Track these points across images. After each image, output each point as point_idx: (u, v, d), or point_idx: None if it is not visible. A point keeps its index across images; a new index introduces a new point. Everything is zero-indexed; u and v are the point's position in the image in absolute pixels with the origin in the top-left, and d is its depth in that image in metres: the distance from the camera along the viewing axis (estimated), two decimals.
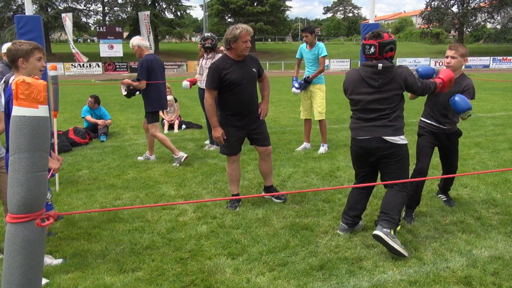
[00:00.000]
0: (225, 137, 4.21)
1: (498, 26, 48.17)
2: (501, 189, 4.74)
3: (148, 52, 5.87)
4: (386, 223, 3.25)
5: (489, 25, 52.04)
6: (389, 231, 3.21)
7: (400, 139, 3.42)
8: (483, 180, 5.03)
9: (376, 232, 3.22)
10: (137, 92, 6.01)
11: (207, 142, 7.10)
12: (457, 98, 3.63)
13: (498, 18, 48.13)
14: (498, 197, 4.50)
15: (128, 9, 46.23)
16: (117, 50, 34.72)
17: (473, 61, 39.22)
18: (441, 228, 3.75)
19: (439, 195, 4.52)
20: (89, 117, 8.00)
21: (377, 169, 3.63)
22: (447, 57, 3.82)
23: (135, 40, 5.86)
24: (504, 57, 38.80)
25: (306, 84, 6.46)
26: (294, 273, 3.03)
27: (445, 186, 4.43)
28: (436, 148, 4.10)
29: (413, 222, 3.89)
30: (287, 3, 56.62)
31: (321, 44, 6.43)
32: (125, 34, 46.64)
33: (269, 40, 58.67)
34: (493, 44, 49.05)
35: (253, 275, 3.02)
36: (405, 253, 3.20)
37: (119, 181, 5.25)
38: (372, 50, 3.34)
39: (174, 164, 5.90)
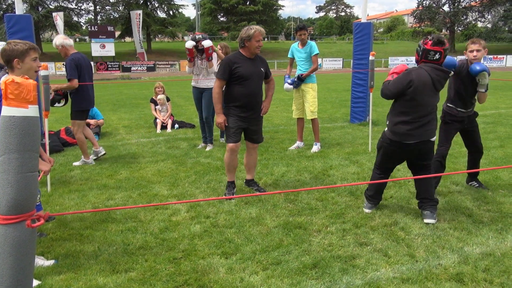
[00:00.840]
0: (229, 125, 4.56)
1: (489, 25, 48.61)
2: (492, 187, 4.78)
3: (74, 51, 5.67)
4: (434, 208, 3.85)
5: (480, 24, 52.49)
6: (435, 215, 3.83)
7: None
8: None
9: (428, 220, 3.77)
10: (62, 103, 5.78)
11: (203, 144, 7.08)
12: (475, 64, 4.15)
13: (489, 17, 48.61)
14: (489, 195, 4.54)
15: (120, 8, 46.01)
16: (109, 49, 34.56)
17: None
18: (433, 225, 3.77)
19: (469, 183, 4.83)
20: None
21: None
22: (472, 51, 4.19)
23: (58, 40, 5.62)
24: (495, 56, 39.14)
25: (299, 81, 6.45)
26: (287, 272, 3.04)
27: (473, 172, 4.75)
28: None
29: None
30: (280, 2, 56.81)
31: (312, 43, 6.44)
32: (117, 33, 46.49)
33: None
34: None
35: (247, 274, 3.02)
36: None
37: (111, 181, 5.22)
38: (437, 56, 3.54)
39: (80, 162, 5.96)
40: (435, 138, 3.87)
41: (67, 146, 7.07)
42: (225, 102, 4.59)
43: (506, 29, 46.37)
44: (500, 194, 4.56)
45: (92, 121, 7.86)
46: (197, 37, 6.54)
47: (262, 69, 4.63)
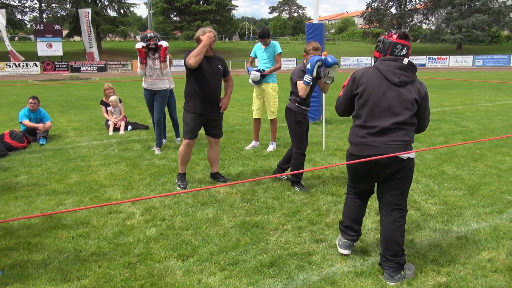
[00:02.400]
0: (188, 121, 4.74)
1: (433, 27, 51.00)
2: (438, 181, 5.03)
3: None
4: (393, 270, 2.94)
5: (424, 26, 54.98)
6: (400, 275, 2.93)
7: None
8: (422, 173, 5.31)
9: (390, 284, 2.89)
10: None
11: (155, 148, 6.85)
12: (328, 57, 4.51)
13: (433, 19, 51.01)
14: (436, 188, 4.77)
15: (67, 6, 44.24)
16: (57, 48, 33.15)
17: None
18: None
19: (281, 177, 5.13)
20: (26, 122, 7.53)
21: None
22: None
23: None
24: (439, 56, 41.17)
25: (261, 77, 6.40)
26: (245, 271, 3.05)
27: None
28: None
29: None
30: (233, 2, 56.80)
31: (275, 42, 6.47)
32: (65, 32, 44.66)
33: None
34: (429, 44, 51.89)
35: (204, 276, 3.00)
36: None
37: (61, 186, 5.01)
38: (405, 51, 2.93)
39: None
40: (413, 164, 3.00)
41: (12, 150, 6.71)
42: (185, 97, 4.77)
43: (448, 31, 48.85)
44: (445, 187, 4.81)
45: (39, 126, 7.50)
46: (148, 35, 6.37)
47: (220, 66, 4.78)
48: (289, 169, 4.99)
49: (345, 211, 3.31)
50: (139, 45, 6.24)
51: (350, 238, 3.25)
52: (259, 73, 6.34)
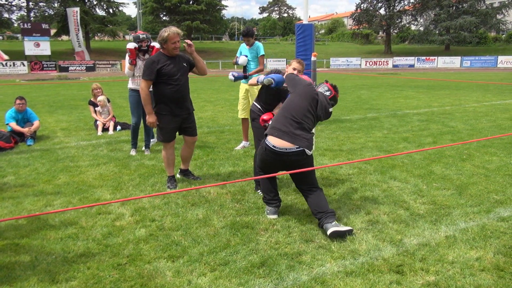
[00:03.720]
0: (163, 125, 4.72)
1: (421, 28, 51.47)
2: (427, 181, 5.08)
3: None
4: (330, 217, 3.63)
5: (413, 27, 55.48)
6: (336, 222, 3.62)
7: None
8: (411, 173, 5.36)
9: (331, 230, 3.51)
10: None
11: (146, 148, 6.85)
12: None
13: (421, 20, 51.47)
14: (424, 188, 4.81)
15: (55, 4, 43.76)
16: (44, 48, 32.80)
17: (399, 60, 41.63)
18: (374, 219, 3.94)
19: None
20: (13, 125, 7.37)
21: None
22: (294, 68, 4.40)
23: None
24: (427, 57, 41.55)
25: (245, 79, 6.37)
26: (235, 272, 3.04)
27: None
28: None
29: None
30: (223, 2, 56.57)
31: (259, 44, 6.50)
32: (53, 31, 44.21)
33: (206, 39, 58.43)
34: (417, 45, 52.37)
35: (194, 277, 2.99)
36: (350, 227, 3.64)
37: (49, 187, 4.96)
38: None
39: None
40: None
41: None
42: (157, 102, 4.73)
43: (437, 32, 49.35)
44: (434, 187, 4.85)
45: (25, 130, 7.35)
46: (141, 36, 6.25)
47: (184, 64, 4.75)
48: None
49: (263, 188, 4.16)
50: (132, 45, 6.13)
51: (275, 205, 4.04)
52: (246, 57, 6.18)
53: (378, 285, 2.89)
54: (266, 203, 4.10)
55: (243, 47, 6.60)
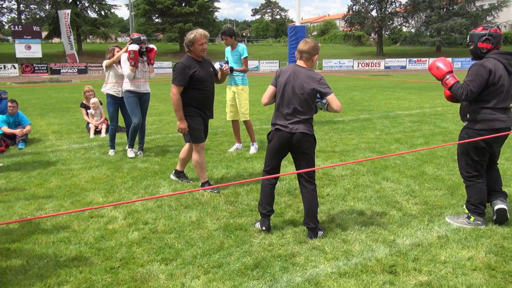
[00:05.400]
0: (195, 126, 4.68)
1: (413, 30, 51.79)
2: (419, 181, 5.11)
3: None
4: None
5: (404, 29, 55.81)
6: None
7: None
8: (403, 174, 5.39)
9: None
10: None
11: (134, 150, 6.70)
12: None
13: (412, 22, 51.78)
14: (417, 189, 4.84)
15: (47, 7, 43.46)
16: (35, 50, 32.47)
17: (391, 62, 41.87)
18: (367, 220, 3.95)
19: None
20: (5, 128, 7.31)
21: None
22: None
23: None
24: (419, 59, 41.82)
25: (230, 71, 6.30)
26: (229, 274, 3.04)
27: None
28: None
29: None
30: (216, 4, 56.41)
31: (242, 46, 6.51)
32: (44, 34, 43.90)
33: None
34: (409, 46, 52.65)
35: (188, 279, 2.98)
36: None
37: (41, 190, 4.92)
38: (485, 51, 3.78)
39: None
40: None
41: None
42: (186, 106, 4.65)
43: (428, 33, 49.68)
44: (426, 188, 4.88)
45: (17, 131, 7.30)
46: (141, 38, 6.14)
47: (211, 68, 4.85)
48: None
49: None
50: (135, 47, 5.98)
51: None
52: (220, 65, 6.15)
53: (372, 285, 2.90)
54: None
55: (227, 51, 6.61)
